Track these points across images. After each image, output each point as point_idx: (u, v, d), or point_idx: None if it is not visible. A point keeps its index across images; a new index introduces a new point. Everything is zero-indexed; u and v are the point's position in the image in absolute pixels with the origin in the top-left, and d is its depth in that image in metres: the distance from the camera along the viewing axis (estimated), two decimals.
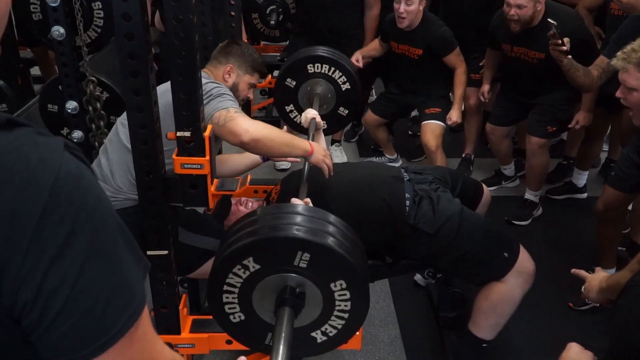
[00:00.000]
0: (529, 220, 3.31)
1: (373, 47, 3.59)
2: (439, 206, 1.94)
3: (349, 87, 2.67)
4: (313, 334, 1.50)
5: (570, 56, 2.43)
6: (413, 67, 3.39)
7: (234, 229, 1.48)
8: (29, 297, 0.52)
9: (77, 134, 2.36)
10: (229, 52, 2.09)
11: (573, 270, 1.72)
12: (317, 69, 2.64)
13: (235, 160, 2.37)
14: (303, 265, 1.38)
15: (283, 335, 1.26)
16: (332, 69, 2.63)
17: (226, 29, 2.87)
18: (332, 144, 3.97)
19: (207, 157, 1.54)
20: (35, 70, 4.15)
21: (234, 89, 2.06)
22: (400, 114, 3.84)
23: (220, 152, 2.59)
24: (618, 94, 2.03)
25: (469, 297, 2.28)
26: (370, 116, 3.68)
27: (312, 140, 2.12)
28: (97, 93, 2.22)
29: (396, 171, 2.15)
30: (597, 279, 1.62)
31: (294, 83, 2.69)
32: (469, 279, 2.11)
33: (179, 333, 1.73)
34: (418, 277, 2.70)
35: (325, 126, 2.66)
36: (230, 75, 2.07)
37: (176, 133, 1.52)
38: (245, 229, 1.44)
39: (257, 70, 2.14)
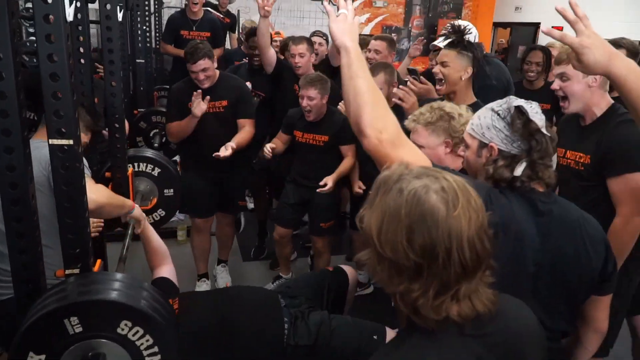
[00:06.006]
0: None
1: (282, 141, 3.56)
2: (309, 319, 2.20)
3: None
4: None
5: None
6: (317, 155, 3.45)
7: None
8: None
9: None
10: None
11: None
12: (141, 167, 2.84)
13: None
14: (78, 330, 1.35)
15: None
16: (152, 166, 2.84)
17: None
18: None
19: None
20: None
21: None
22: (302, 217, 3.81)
23: None
24: None
25: None
26: (280, 231, 3.58)
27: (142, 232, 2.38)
28: None
29: (275, 299, 2.30)
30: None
31: None
32: None
33: None
34: None
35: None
36: None
37: (64, 271, 1.60)
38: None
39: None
